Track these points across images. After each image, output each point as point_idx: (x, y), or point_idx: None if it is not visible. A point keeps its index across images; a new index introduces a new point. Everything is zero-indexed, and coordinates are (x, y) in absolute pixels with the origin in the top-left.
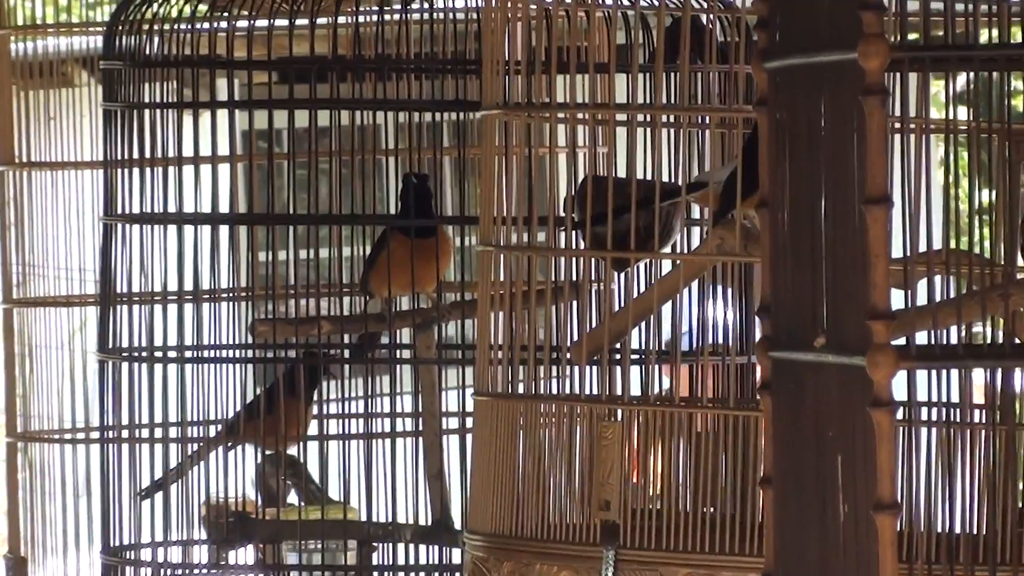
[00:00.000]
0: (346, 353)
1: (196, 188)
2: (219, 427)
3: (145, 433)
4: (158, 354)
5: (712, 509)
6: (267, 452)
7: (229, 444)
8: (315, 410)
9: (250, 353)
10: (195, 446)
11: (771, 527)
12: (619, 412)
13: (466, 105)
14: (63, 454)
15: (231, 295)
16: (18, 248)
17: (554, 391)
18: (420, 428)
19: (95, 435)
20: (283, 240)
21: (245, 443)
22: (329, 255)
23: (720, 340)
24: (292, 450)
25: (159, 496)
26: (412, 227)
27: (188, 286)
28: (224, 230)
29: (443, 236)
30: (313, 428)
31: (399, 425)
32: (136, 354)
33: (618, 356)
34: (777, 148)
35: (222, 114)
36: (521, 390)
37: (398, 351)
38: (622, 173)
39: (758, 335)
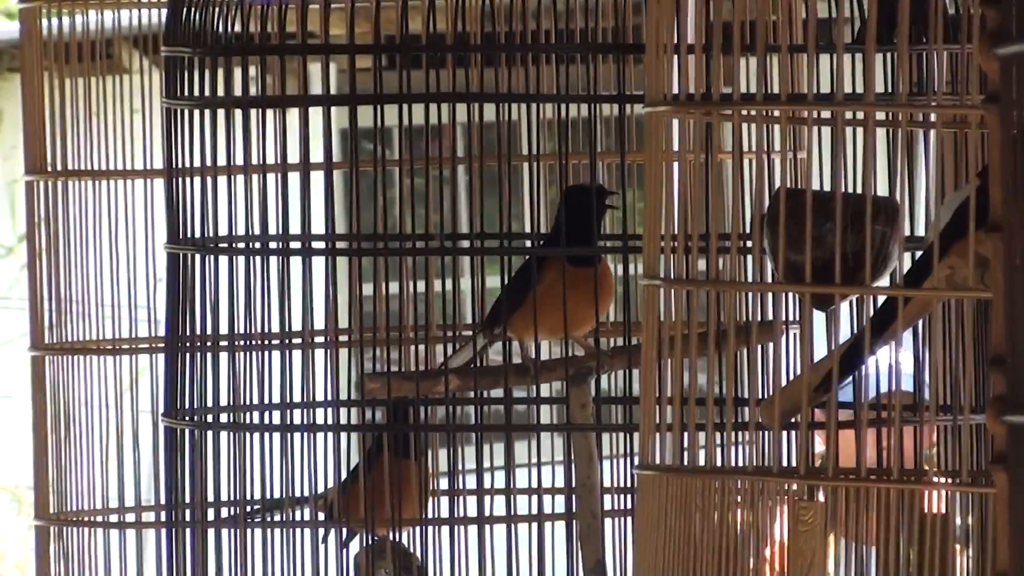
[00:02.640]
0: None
1: (280, 205)
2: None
3: (214, 513)
4: (235, 418)
5: None
6: (372, 539)
7: (320, 528)
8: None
9: (354, 416)
10: (280, 532)
11: None
12: (821, 490)
13: (626, 98)
14: (107, 541)
15: (328, 340)
16: (51, 280)
17: (739, 462)
18: (574, 508)
19: (147, 517)
20: (395, 270)
21: (343, 527)
22: (450, 286)
23: (950, 397)
24: (404, 537)
25: None
26: (565, 254)
27: (274, 327)
28: (319, 259)
29: (605, 268)
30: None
31: (547, 505)
32: (208, 418)
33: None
34: (1015, 156)
35: (316, 111)
36: (699, 461)
37: (543, 410)
38: (824, 185)
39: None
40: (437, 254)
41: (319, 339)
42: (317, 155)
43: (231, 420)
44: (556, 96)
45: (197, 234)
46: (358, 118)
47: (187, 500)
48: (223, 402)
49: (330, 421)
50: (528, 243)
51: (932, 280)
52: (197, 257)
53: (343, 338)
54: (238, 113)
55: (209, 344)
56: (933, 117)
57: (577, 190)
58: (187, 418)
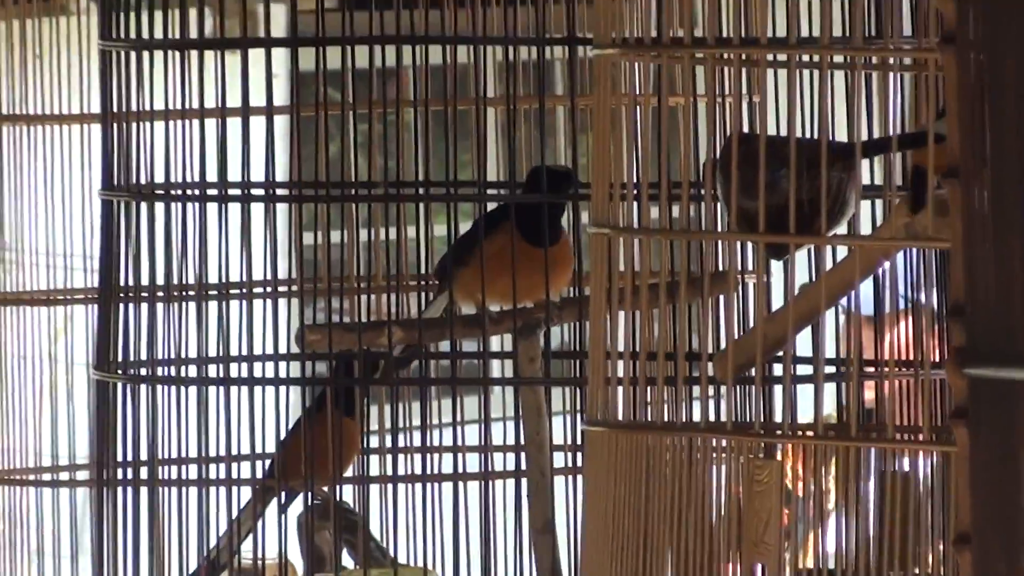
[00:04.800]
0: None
1: (221, 151)
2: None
3: (156, 473)
4: (172, 371)
5: None
6: (315, 500)
7: (262, 489)
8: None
9: (295, 369)
10: (222, 490)
11: None
12: (778, 446)
13: (576, 40)
14: (39, 499)
15: (269, 291)
16: None
17: (692, 418)
18: (522, 466)
19: (83, 475)
20: (338, 218)
21: (285, 489)
22: (393, 235)
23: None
24: (348, 496)
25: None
26: (518, 221)
27: (212, 278)
28: (259, 206)
29: (564, 248)
30: (374, 466)
31: (490, 462)
32: (143, 372)
33: (776, 371)
34: (972, 100)
35: (257, 54)
36: (648, 417)
37: (494, 364)
38: (779, 130)
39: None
40: (381, 201)
41: (259, 289)
42: (258, 99)
43: (167, 373)
44: (504, 38)
45: (133, 181)
46: (299, 62)
47: (119, 457)
48: (160, 355)
49: (271, 375)
50: (477, 191)
51: (889, 229)
52: (133, 204)
53: (284, 289)
54: (175, 55)
55: (145, 295)
56: (891, 60)
57: (537, 175)
58: (120, 371)
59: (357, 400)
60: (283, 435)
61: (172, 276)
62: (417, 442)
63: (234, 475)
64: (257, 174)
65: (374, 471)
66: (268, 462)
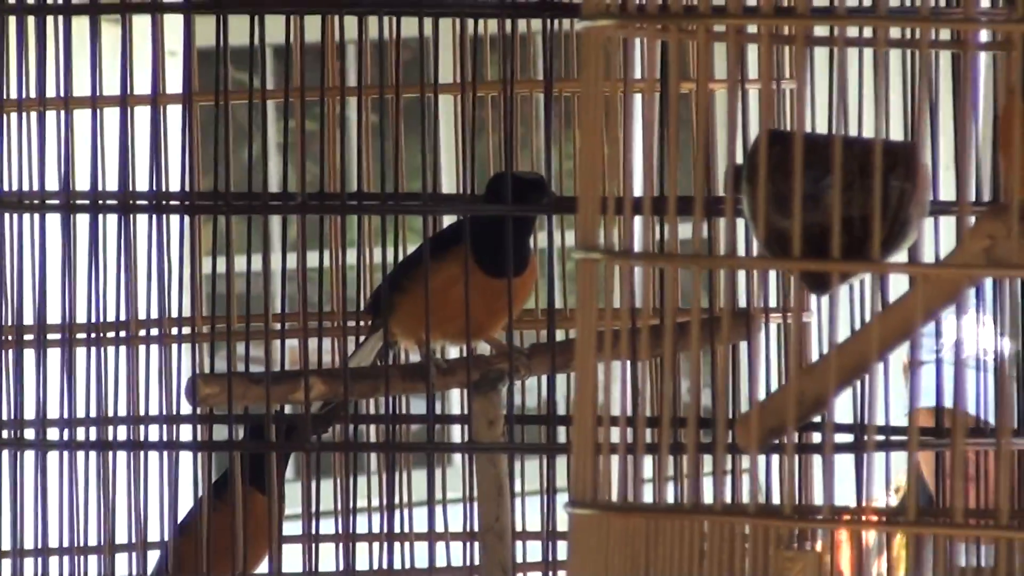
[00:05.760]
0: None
1: (98, 151)
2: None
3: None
4: (33, 433)
5: None
6: None
7: None
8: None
9: (186, 433)
10: None
11: None
12: (818, 534)
13: (554, 7)
14: None
15: (158, 331)
16: None
17: (705, 499)
18: (476, 560)
19: None
20: (253, 237)
21: None
22: (320, 260)
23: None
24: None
25: None
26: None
27: (81, 316)
28: (143, 219)
29: (531, 279)
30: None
31: (440, 553)
32: (4, 434)
33: (813, 439)
34: None
35: (141, 22)
36: (650, 497)
37: (443, 429)
38: (822, 127)
39: None
40: (296, 213)
41: (145, 332)
42: (143, 86)
43: (17, 436)
44: (460, 4)
45: None
46: (195, 35)
47: None
48: (19, 414)
49: (163, 437)
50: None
51: (964, 255)
52: None
53: (176, 331)
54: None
55: (7, 338)
56: (958, 34)
57: (500, 184)
58: None
59: (270, 472)
60: (179, 516)
61: (42, 315)
62: (338, 528)
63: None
64: (142, 182)
65: (293, 566)
66: (158, 555)
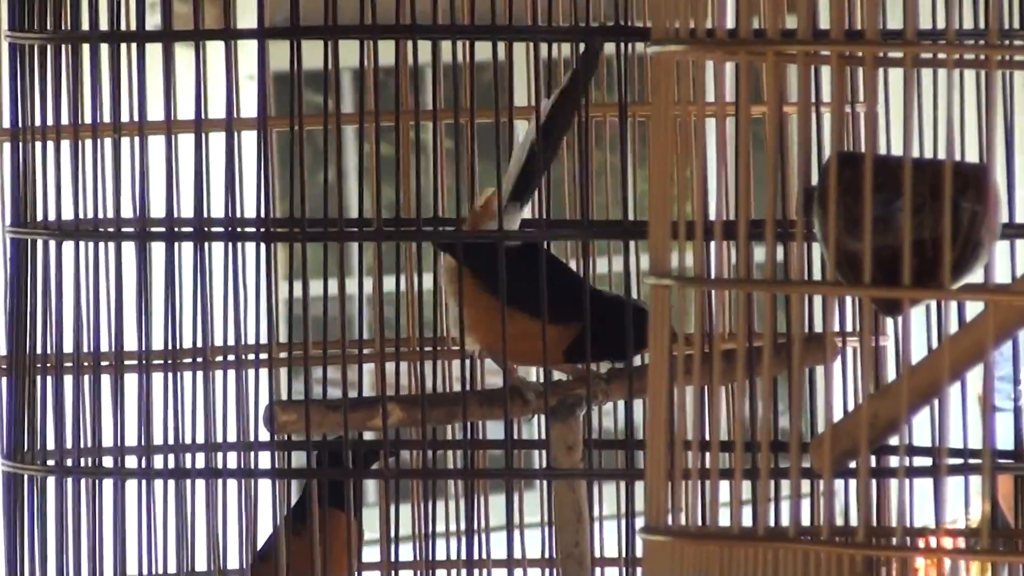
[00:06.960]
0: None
1: (173, 178)
2: None
3: None
4: (105, 462)
5: None
6: None
7: None
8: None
9: (263, 460)
10: None
11: None
12: (892, 564)
13: (628, 31)
14: None
15: (234, 357)
16: None
17: (780, 522)
18: None
19: None
20: (329, 261)
21: None
22: (396, 285)
23: None
24: None
25: None
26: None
27: (157, 343)
28: (218, 247)
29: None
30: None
31: None
32: (73, 462)
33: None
34: None
35: (215, 48)
36: (723, 522)
37: (521, 455)
38: (894, 149)
39: None
40: (372, 239)
41: (221, 358)
42: (217, 110)
43: (97, 464)
44: (534, 29)
45: (55, 216)
46: (269, 60)
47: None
48: (88, 443)
49: (240, 465)
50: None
51: None
52: (54, 243)
53: (253, 357)
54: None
55: (69, 365)
56: None
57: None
58: (39, 462)
59: (348, 498)
60: (258, 543)
61: (118, 343)
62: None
63: None
64: (217, 208)
65: None
66: None
